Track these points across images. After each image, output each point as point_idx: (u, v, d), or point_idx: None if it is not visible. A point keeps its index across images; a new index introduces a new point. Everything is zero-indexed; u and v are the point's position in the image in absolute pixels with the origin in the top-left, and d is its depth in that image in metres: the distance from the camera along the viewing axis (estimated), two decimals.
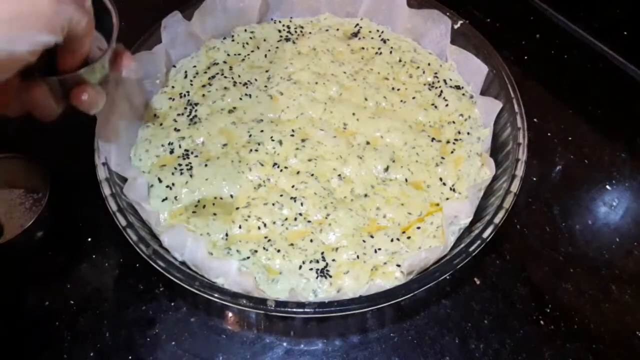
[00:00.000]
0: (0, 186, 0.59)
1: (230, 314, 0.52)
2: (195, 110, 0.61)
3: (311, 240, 0.52)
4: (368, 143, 0.59)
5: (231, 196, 0.55)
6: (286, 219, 0.53)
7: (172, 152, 0.57)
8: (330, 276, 0.50)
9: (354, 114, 0.61)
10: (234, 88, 0.63)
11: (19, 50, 0.35)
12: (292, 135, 0.59)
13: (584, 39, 0.77)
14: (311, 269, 0.50)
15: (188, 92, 0.63)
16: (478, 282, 0.55)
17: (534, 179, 0.63)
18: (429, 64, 0.67)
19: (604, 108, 0.70)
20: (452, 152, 0.59)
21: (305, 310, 0.44)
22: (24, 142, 0.62)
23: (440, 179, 0.57)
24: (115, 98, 0.55)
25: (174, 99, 0.62)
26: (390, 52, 0.68)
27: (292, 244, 0.52)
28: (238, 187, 0.55)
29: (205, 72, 0.65)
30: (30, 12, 0.35)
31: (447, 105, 0.62)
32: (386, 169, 0.57)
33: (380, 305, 0.45)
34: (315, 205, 0.54)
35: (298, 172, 0.56)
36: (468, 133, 0.61)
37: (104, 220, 0.51)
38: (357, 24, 0.71)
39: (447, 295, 0.54)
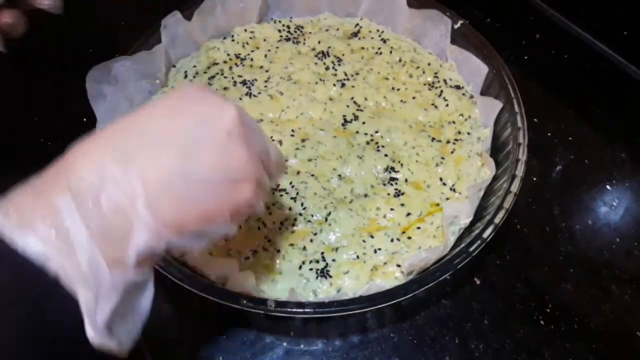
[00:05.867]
0: None
1: (230, 314, 0.52)
2: None
3: (311, 240, 0.52)
4: (368, 143, 0.59)
5: None
6: (286, 219, 0.53)
7: None
8: (330, 276, 0.50)
9: (354, 113, 0.61)
10: (234, 88, 0.63)
11: (193, 248, 0.34)
12: (292, 135, 0.59)
13: (584, 39, 0.77)
14: (311, 269, 0.50)
15: None
16: (478, 282, 0.55)
17: (534, 179, 0.63)
18: (429, 64, 0.67)
19: (604, 108, 0.70)
20: (452, 152, 0.59)
21: (305, 310, 0.44)
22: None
23: (441, 179, 0.57)
24: (116, 98, 0.55)
25: None
26: (390, 52, 0.68)
27: (292, 244, 0.52)
28: None
29: (205, 72, 0.65)
30: (228, 210, 0.33)
31: (447, 105, 0.62)
32: (386, 169, 0.57)
33: (380, 305, 0.45)
34: (315, 205, 0.54)
35: (298, 172, 0.56)
36: (468, 133, 0.61)
37: None
38: (357, 24, 0.71)
39: (447, 295, 0.54)
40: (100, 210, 0.28)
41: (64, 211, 0.28)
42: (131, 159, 0.29)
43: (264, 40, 0.69)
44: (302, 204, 0.54)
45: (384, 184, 0.56)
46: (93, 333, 0.28)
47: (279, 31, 0.70)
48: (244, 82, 0.64)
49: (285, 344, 0.51)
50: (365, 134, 0.60)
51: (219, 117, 0.32)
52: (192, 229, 0.31)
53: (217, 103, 0.33)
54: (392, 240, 0.52)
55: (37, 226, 0.27)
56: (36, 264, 0.27)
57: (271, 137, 0.58)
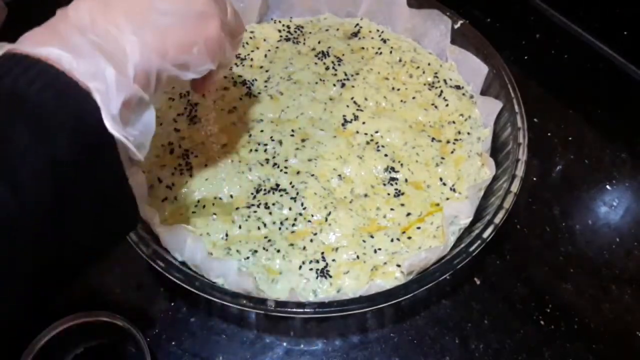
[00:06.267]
0: None
1: (230, 314, 0.52)
2: (195, 111, 0.61)
3: (311, 240, 0.52)
4: (368, 143, 0.59)
5: (231, 196, 0.55)
6: (286, 219, 0.53)
7: (172, 152, 0.57)
8: (330, 276, 0.50)
9: (354, 114, 0.61)
10: (234, 88, 0.63)
11: (185, 76, 0.39)
12: (292, 135, 0.59)
13: (584, 39, 0.77)
14: (311, 269, 0.50)
15: (188, 92, 0.63)
16: (478, 282, 0.55)
17: (534, 179, 0.63)
18: (429, 64, 0.67)
19: (604, 108, 0.70)
20: (452, 152, 0.59)
21: (305, 310, 0.44)
22: None
23: (441, 179, 0.57)
24: None
25: (174, 99, 0.62)
26: (390, 52, 0.68)
27: (292, 244, 0.52)
28: (238, 187, 0.55)
29: None
30: (201, 43, 0.38)
31: (447, 105, 0.62)
32: (386, 169, 0.57)
33: (380, 305, 0.45)
34: (315, 205, 0.54)
35: (298, 172, 0.56)
36: (468, 133, 0.61)
37: None
38: (357, 24, 0.71)
39: (447, 295, 0.54)
40: (99, 36, 0.33)
41: (70, 36, 0.33)
42: (113, 3, 0.35)
43: (264, 40, 0.69)
44: (302, 204, 0.54)
45: (384, 184, 0.56)
46: (109, 119, 0.32)
47: (279, 31, 0.70)
48: (244, 82, 0.64)
49: (285, 344, 0.51)
50: (365, 134, 0.60)
51: None
52: (173, 55, 0.36)
53: None
54: (392, 240, 0.52)
55: (50, 43, 0.32)
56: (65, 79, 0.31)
57: (271, 137, 0.58)
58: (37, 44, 0.32)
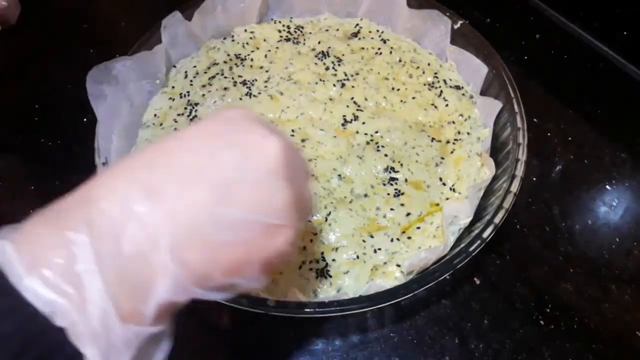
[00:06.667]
0: None
1: (230, 314, 0.52)
2: (196, 111, 0.61)
3: (311, 240, 0.52)
4: (368, 143, 0.59)
5: None
6: None
7: None
8: (330, 276, 0.50)
9: (354, 114, 0.61)
10: (234, 88, 0.63)
11: (214, 298, 0.30)
12: (292, 135, 0.59)
13: (584, 39, 0.77)
14: (311, 269, 0.50)
15: (188, 92, 0.63)
16: (478, 282, 0.55)
17: (534, 179, 0.63)
18: (428, 64, 0.67)
19: (604, 108, 0.70)
20: (452, 152, 0.59)
21: (305, 310, 0.44)
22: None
23: (440, 179, 0.57)
24: (116, 99, 0.55)
25: (174, 99, 0.62)
26: (390, 52, 0.68)
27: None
28: None
29: (206, 72, 0.65)
30: (260, 263, 0.30)
31: (447, 105, 0.63)
32: (386, 169, 0.57)
33: (380, 305, 0.45)
34: (315, 205, 0.54)
35: None
36: (468, 133, 0.61)
37: None
38: (357, 24, 0.71)
39: (447, 295, 0.54)
40: (119, 254, 0.26)
41: (78, 252, 0.25)
42: (159, 195, 0.27)
43: (264, 40, 0.69)
44: None
45: (384, 184, 0.56)
46: None
47: (279, 31, 0.70)
48: (244, 83, 0.64)
49: (285, 343, 0.51)
50: (365, 134, 0.60)
51: (260, 151, 0.29)
52: (218, 280, 0.28)
53: (260, 134, 0.30)
54: (392, 240, 0.52)
55: (47, 270, 0.25)
56: (43, 316, 0.24)
57: None
58: (32, 263, 0.25)
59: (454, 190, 0.56)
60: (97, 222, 0.26)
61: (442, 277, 0.47)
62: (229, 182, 0.28)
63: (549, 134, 0.67)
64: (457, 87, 0.65)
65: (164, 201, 0.27)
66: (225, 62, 0.66)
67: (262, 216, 0.28)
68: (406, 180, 0.57)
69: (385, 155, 0.58)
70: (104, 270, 0.25)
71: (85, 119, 0.57)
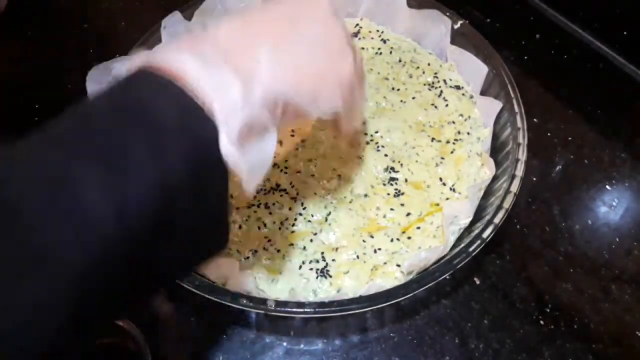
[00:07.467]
0: None
1: (230, 314, 0.52)
2: None
3: (311, 240, 0.52)
4: (368, 143, 0.59)
5: (231, 196, 0.55)
6: (286, 218, 0.53)
7: None
8: (330, 276, 0.50)
9: None
10: None
11: (312, 113, 0.36)
12: (292, 135, 0.59)
13: (584, 39, 0.77)
14: (311, 269, 0.50)
15: None
16: (478, 282, 0.55)
17: (534, 179, 0.63)
18: (429, 64, 0.67)
19: (604, 108, 0.70)
20: (452, 152, 0.59)
21: (305, 310, 0.44)
22: None
23: (440, 179, 0.57)
24: None
25: None
26: (390, 52, 0.68)
27: (292, 244, 0.52)
28: (238, 187, 0.55)
29: None
30: (336, 81, 0.37)
31: (447, 105, 0.63)
32: (386, 169, 0.57)
33: (380, 305, 0.45)
34: (315, 205, 0.54)
35: (298, 172, 0.56)
36: (468, 133, 0.61)
37: None
38: (357, 24, 0.71)
39: (447, 295, 0.54)
40: (233, 52, 0.32)
41: (203, 48, 0.32)
42: (253, 26, 0.34)
43: None
44: (302, 204, 0.54)
45: (384, 184, 0.56)
46: (227, 140, 0.30)
47: None
48: None
49: (285, 343, 0.51)
50: (365, 134, 0.60)
51: (315, 1, 0.37)
52: (307, 86, 0.35)
53: None
54: (392, 240, 0.52)
55: (182, 51, 0.31)
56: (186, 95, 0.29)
57: None
58: (170, 51, 0.31)
59: (454, 190, 0.56)
60: (213, 38, 0.33)
61: (442, 277, 0.47)
62: (297, 18, 0.36)
63: (549, 134, 0.67)
64: (457, 87, 0.65)
65: (253, 34, 0.34)
66: None
67: (327, 43, 0.37)
68: (406, 180, 0.57)
69: (385, 155, 0.58)
70: (226, 60, 0.32)
71: None
